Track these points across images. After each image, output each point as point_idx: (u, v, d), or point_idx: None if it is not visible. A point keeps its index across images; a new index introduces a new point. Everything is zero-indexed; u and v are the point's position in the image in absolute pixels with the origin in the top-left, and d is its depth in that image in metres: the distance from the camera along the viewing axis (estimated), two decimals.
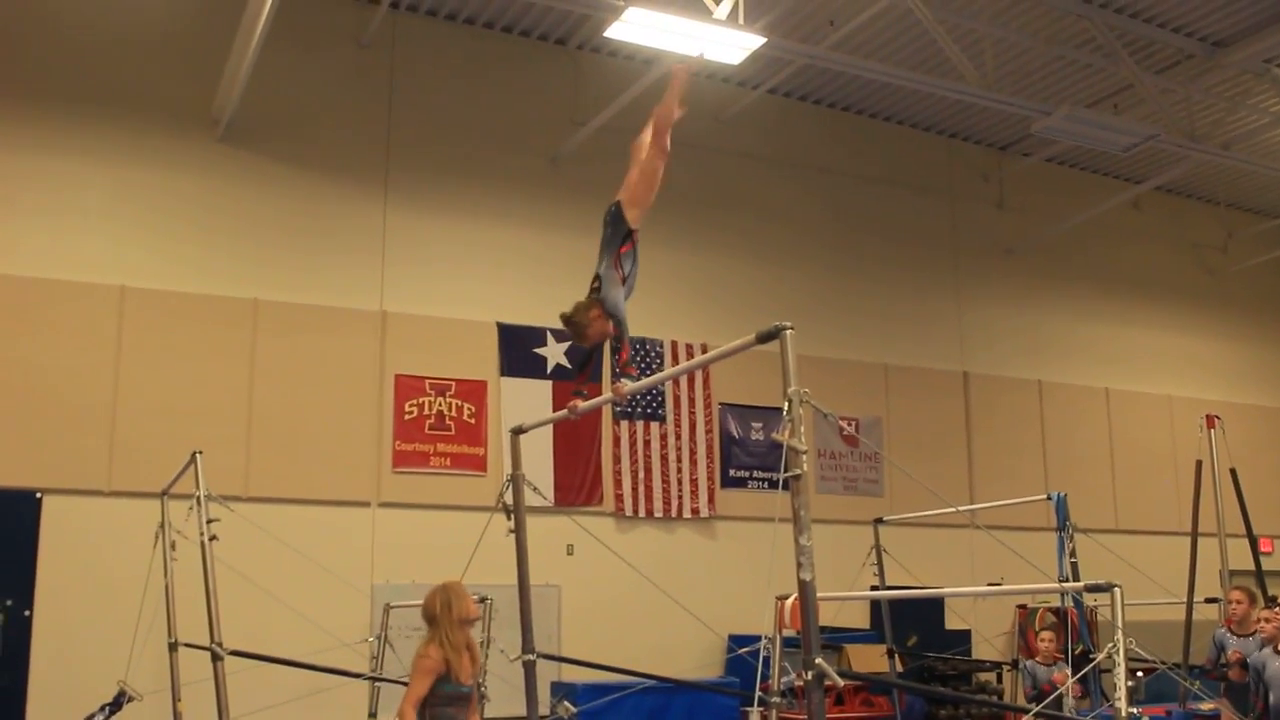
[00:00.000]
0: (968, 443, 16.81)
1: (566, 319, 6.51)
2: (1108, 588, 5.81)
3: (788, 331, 5.07)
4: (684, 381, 14.72)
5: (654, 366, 14.36)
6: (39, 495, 11.82)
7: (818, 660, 4.83)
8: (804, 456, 4.96)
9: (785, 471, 4.97)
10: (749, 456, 15.03)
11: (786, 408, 4.98)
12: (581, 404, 6.95)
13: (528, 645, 7.16)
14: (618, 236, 6.67)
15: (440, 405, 13.46)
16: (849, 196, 16.53)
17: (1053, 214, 17.55)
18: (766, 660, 7.76)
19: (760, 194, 15.87)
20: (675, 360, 14.53)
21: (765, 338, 5.19)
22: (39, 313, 12.01)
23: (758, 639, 8.10)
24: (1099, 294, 18.56)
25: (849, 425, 15.49)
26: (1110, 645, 5.73)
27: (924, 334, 16.81)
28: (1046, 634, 10.37)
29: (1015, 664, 12.85)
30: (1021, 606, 15.94)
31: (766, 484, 14.82)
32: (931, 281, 17.08)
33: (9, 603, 11.58)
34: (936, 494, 12.06)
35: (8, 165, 12.17)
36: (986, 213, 17.75)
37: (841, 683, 4.99)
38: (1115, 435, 18.10)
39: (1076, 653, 11.36)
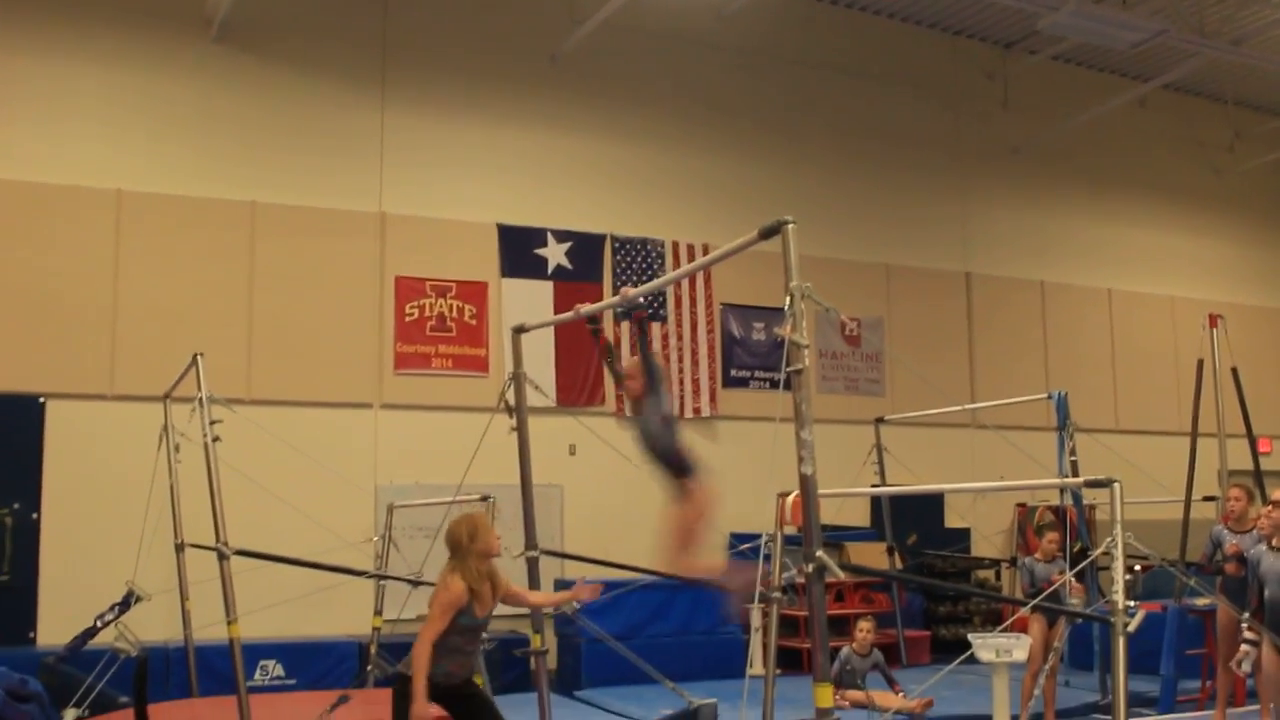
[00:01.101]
0: (969, 343, 16.80)
1: (617, 377, 7.01)
2: (1107, 483, 5.82)
3: (789, 226, 5.02)
4: (685, 281, 14.67)
5: (655, 267, 14.32)
6: (42, 400, 11.85)
7: (819, 553, 4.86)
8: (805, 351, 4.94)
9: (787, 367, 4.95)
10: (750, 356, 15.03)
11: (788, 302, 4.94)
12: (586, 306, 6.92)
13: (530, 542, 7.21)
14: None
15: (441, 306, 13.44)
16: (851, 96, 16.33)
17: (1058, 113, 17.34)
18: (768, 557, 7.80)
19: (761, 93, 15.68)
20: (676, 260, 14.47)
21: (767, 233, 5.13)
22: (36, 217, 11.95)
23: (759, 537, 8.15)
24: (1104, 194, 18.42)
25: (851, 324, 15.48)
26: (1108, 540, 5.75)
27: (927, 234, 16.71)
28: (1052, 534, 10.45)
29: (1014, 561, 12.98)
30: (1020, 505, 16.06)
31: (768, 384, 14.83)
32: (934, 181, 16.94)
33: (16, 506, 11.67)
34: (939, 390, 12.10)
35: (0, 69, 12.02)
36: (991, 112, 17.54)
37: (842, 576, 5.04)
38: (1117, 336, 18.09)
39: (1075, 550, 11.47)
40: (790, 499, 7.37)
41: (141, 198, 12.35)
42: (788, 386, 4.97)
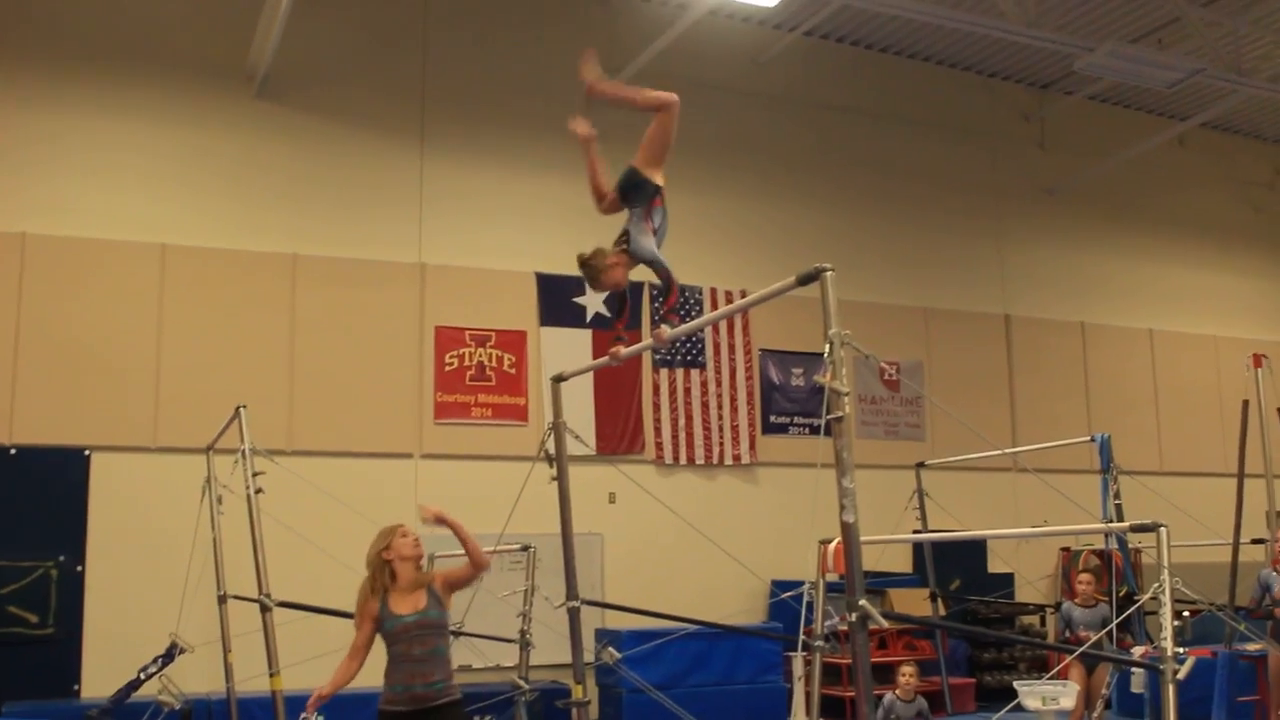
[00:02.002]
0: (1010, 386, 16.70)
1: (583, 261, 6.46)
2: (1153, 527, 5.76)
3: (828, 273, 5.03)
4: (723, 328, 14.68)
5: (693, 314, 14.33)
6: (87, 453, 11.97)
7: (862, 602, 4.82)
8: (846, 398, 4.93)
9: (827, 414, 4.94)
10: (789, 402, 15.00)
11: (828, 350, 4.94)
12: (624, 350, 6.91)
13: (571, 592, 7.20)
14: (644, 195, 6.52)
15: (480, 356, 13.50)
16: (888, 140, 16.36)
17: (1096, 153, 17.30)
18: (809, 605, 7.75)
19: (798, 138, 15.73)
20: (714, 306, 14.48)
21: (805, 279, 5.14)
22: (81, 272, 12.13)
23: (800, 584, 8.12)
24: (1143, 234, 18.33)
25: (891, 369, 15.43)
26: (1156, 585, 5.68)
27: (965, 277, 16.67)
28: (1085, 575, 10.33)
29: (1058, 606, 12.83)
30: (1065, 549, 15.89)
31: (807, 429, 14.79)
32: (972, 224, 16.91)
33: (62, 558, 11.76)
34: (980, 434, 12.01)
35: (46, 126, 12.23)
36: (1028, 153, 17.52)
37: (885, 624, 5.00)
38: (1160, 377, 17.93)
39: (1120, 595, 11.33)
40: (832, 546, 7.33)
41: (184, 251, 12.51)
42: (828, 433, 4.95)
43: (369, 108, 13.52)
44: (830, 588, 7.78)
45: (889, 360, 15.45)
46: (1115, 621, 8.89)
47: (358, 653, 6.05)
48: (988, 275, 16.93)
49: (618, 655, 8.07)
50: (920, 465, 13.93)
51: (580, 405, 13.24)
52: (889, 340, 15.34)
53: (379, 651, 6.19)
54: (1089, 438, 12.16)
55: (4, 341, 11.83)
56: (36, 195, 12.12)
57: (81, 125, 12.37)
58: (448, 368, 13.34)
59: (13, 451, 11.71)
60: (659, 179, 6.53)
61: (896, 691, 10.52)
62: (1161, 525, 5.70)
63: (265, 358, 12.59)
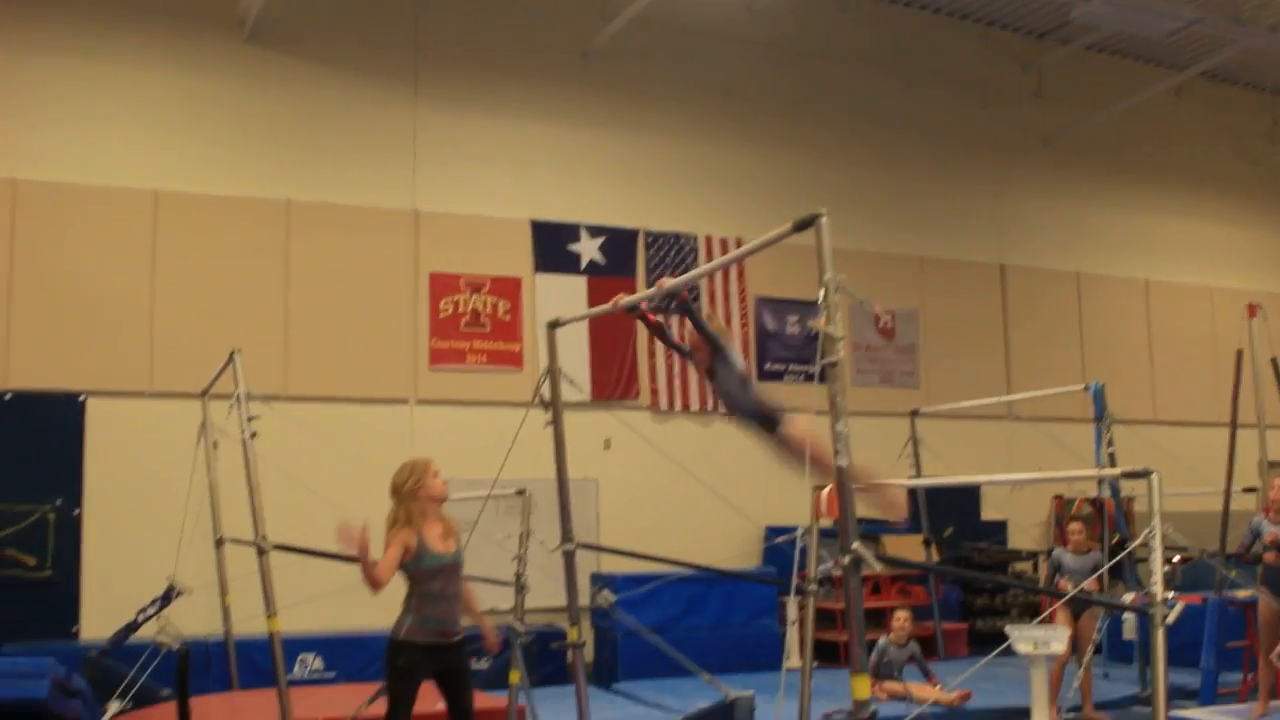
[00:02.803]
0: (1004, 336, 16.71)
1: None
2: (1145, 474, 5.78)
3: (822, 218, 5.02)
4: (719, 275, 14.66)
5: (687, 261, 14.32)
6: (82, 398, 11.99)
7: (855, 545, 4.86)
8: (840, 343, 4.94)
9: (822, 359, 4.95)
10: (785, 350, 15.01)
11: (822, 295, 4.94)
12: (625, 298, 6.91)
13: (567, 535, 7.23)
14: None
15: (475, 302, 13.49)
16: (883, 88, 16.26)
17: (1093, 103, 17.21)
18: (803, 550, 7.79)
19: (792, 86, 15.64)
20: (709, 254, 14.47)
21: (801, 225, 5.13)
22: (74, 219, 12.10)
23: (793, 530, 8.16)
24: (1140, 184, 18.28)
25: (886, 316, 15.45)
26: (1147, 531, 5.71)
27: (960, 227, 16.64)
28: (1075, 524, 10.40)
29: (1049, 553, 12.93)
30: (1058, 497, 15.98)
31: (803, 377, 14.81)
32: (968, 173, 16.87)
33: (58, 502, 11.81)
34: (975, 382, 12.06)
35: (36, 72, 12.16)
36: (1025, 102, 17.43)
37: (879, 568, 5.02)
38: (1155, 327, 17.95)
39: (1113, 542, 11.41)
40: (826, 492, 7.36)
41: (178, 198, 12.47)
42: (823, 379, 4.97)
43: (362, 53, 13.44)
44: (824, 533, 7.82)
45: (884, 309, 15.48)
46: (1106, 567, 8.95)
47: (389, 570, 6.03)
48: (983, 225, 16.90)
49: (613, 598, 8.12)
50: (915, 413, 13.96)
51: (575, 351, 13.25)
52: (884, 289, 15.33)
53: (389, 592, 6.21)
54: (1083, 386, 12.20)
55: None
56: (28, 141, 12.07)
57: (72, 71, 12.28)
58: (442, 314, 13.34)
59: (8, 397, 11.73)
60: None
61: (890, 635, 10.62)
62: (1153, 472, 5.72)
63: (260, 303, 12.58)
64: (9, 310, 11.82)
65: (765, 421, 6.54)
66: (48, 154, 12.10)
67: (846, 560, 4.89)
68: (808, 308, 14.70)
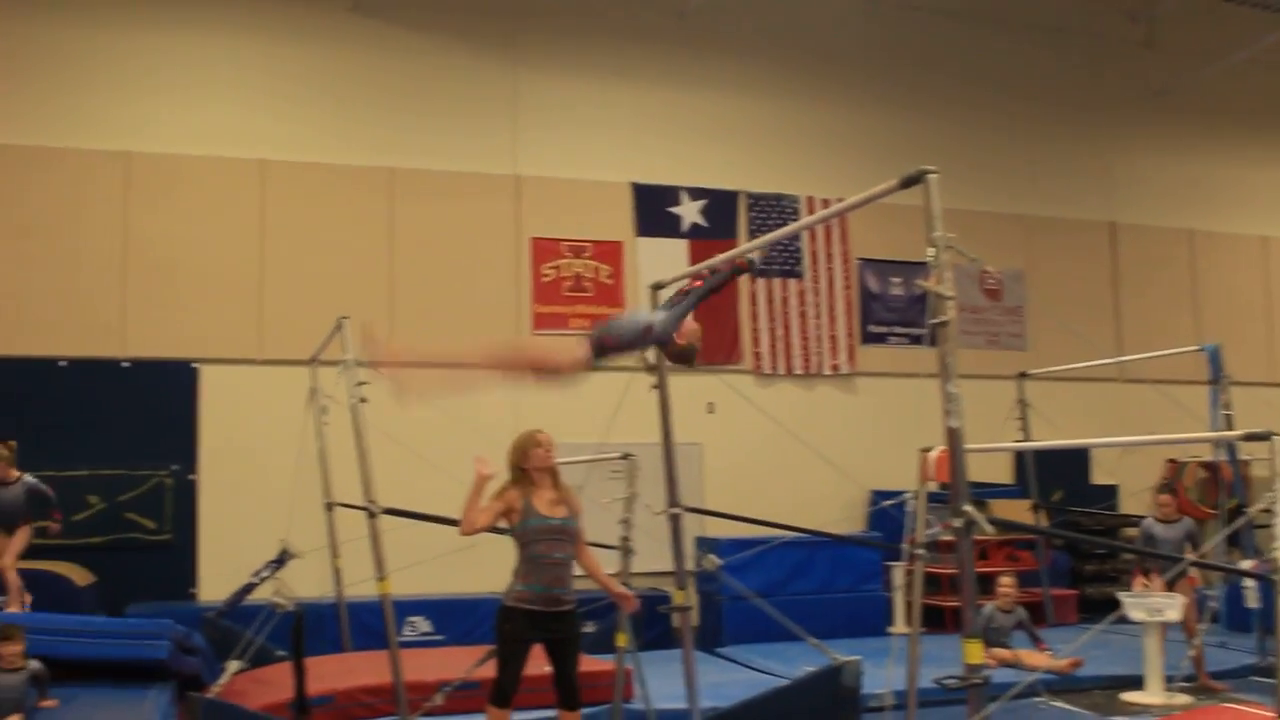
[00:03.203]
0: (1115, 295, 16.32)
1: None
2: (1266, 436, 5.63)
3: (931, 176, 4.93)
4: (821, 237, 14.52)
5: (789, 222, 14.17)
6: (195, 366, 12.27)
7: (966, 508, 4.78)
8: (950, 304, 4.85)
9: (931, 320, 4.87)
10: (889, 312, 14.84)
11: (931, 254, 4.85)
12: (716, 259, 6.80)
13: (673, 499, 7.21)
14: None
15: (577, 267, 13.54)
16: (986, 43, 15.91)
17: (1206, 53, 16.64)
18: (910, 514, 7.70)
19: (895, 43, 15.37)
20: (811, 215, 14.31)
21: (908, 182, 5.04)
22: (184, 190, 12.38)
23: (900, 494, 8.06)
24: (1257, 138, 17.67)
25: (994, 275, 15.17)
26: (1267, 495, 5.55)
27: (1068, 184, 16.24)
28: (1164, 496, 10.17)
29: (1140, 523, 12.66)
30: (1171, 461, 15.58)
31: (907, 339, 14.64)
32: (1075, 128, 16.42)
33: (175, 468, 12.13)
34: (1086, 343, 11.79)
35: (143, 43, 12.42)
36: (1134, 54, 16.92)
37: (991, 531, 4.94)
38: (1273, 286, 17.40)
39: (1230, 507, 11.12)
40: (934, 454, 7.26)
41: (284, 166, 12.68)
42: (930, 341, 4.89)
43: (462, 20, 13.53)
44: (932, 497, 7.71)
45: (989, 270, 15.20)
46: (1224, 534, 8.73)
47: (486, 516, 6.13)
48: (1092, 182, 16.48)
49: (719, 562, 8.11)
50: (1022, 375, 13.71)
51: None
52: (989, 249, 14.76)
53: (482, 556, 6.30)
54: (1198, 347, 11.89)
55: (112, 259, 12.14)
56: (139, 114, 12.35)
57: (181, 43, 12.53)
58: (544, 279, 13.41)
59: (125, 365, 12.05)
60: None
61: (995, 602, 10.48)
62: (1274, 434, 5.56)
63: (365, 270, 12.76)
64: (124, 281, 12.13)
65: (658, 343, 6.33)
66: (158, 126, 12.38)
67: (958, 523, 4.82)
68: (911, 269, 14.53)
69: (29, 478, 9.95)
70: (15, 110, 12.09)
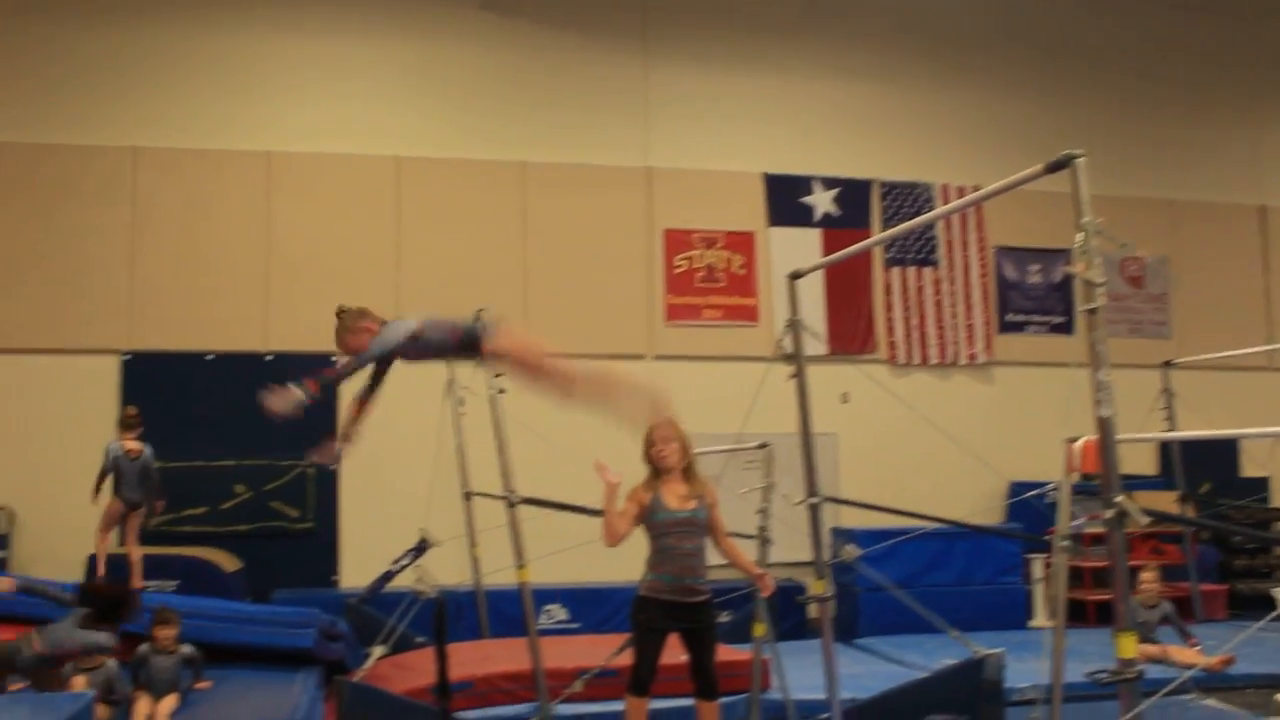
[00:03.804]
0: (1265, 282, 15.74)
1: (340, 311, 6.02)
2: None
3: (1079, 159, 4.81)
4: (956, 225, 14.28)
5: (924, 211, 13.98)
6: (334, 359, 12.48)
7: (1119, 498, 4.66)
8: (1100, 289, 4.73)
9: (1081, 306, 4.75)
10: (1027, 300, 14.51)
11: (1080, 240, 4.74)
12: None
13: (812, 488, 7.15)
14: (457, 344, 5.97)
15: (709, 258, 13.53)
16: (1125, 21, 15.43)
17: None
18: (1053, 506, 7.52)
19: (1029, 25, 15.03)
20: (946, 204, 14.10)
21: (1055, 167, 4.92)
22: (323, 187, 12.71)
23: (1040, 485, 7.90)
24: None
25: (1141, 260, 14.75)
26: None
27: (1214, 166, 15.68)
28: None
29: None
30: None
31: (1046, 328, 14.32)
32: (1221, 108, 15.84)
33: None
34: (1236, 331, 11.41)
35: (280, 47, 12.82)
36: None
37: (1144, 521, 4.80)
38: None
39: None
40: (1079, 444, 7.09)
41: (418, 163, 12.93)
42: (1068, 330, 4.77)
43: (591, 13, 13.62)
44: (1075, 489, 7.53)
45: (1130, 257, 14.79)
46: None
47: (624, 521, 6.18)
48: (1239, 164, 15.87)
49: (858, 552, 8.03)
50: (1167, 364, 13.33)
51: (812, 305, 13.14)
52: (1130, 235, 14.17)
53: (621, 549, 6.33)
54: None
55: (257, 256, 12.49)
56: (278, 115, 12.72)
57: (318, 46, 12.86)
58: (677, 270, 13.43)
59: (269, 359, 12.37)
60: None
61: (1138, 596, 10.20)
62: None
63: (499, 263, 12.92)
64: (268, 277, 12.47)
65: (467, 346, 5.90)
66: (296, 126, 12.71)
67: (1109, 514, 4.69)
68: (1050, 256, 14.24)
69: (148, 452, 10.06)
70: (160, 114, 12.51)
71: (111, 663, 7.50)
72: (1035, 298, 14.51)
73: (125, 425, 10.00)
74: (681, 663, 6.43)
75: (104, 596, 7.40)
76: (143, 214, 12.39)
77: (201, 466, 12.19)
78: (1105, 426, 4.72)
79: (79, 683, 7.23)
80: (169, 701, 7.23)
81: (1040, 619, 12.46)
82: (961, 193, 14.03)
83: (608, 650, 8.13)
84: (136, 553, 9.98)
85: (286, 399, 5.27)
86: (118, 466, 9.82)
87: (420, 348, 5.82)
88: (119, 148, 12.37)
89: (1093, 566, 12.26)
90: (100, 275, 12.25)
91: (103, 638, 7.23)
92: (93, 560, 10.14)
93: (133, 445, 9.93)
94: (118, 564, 9.89)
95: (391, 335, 5.71)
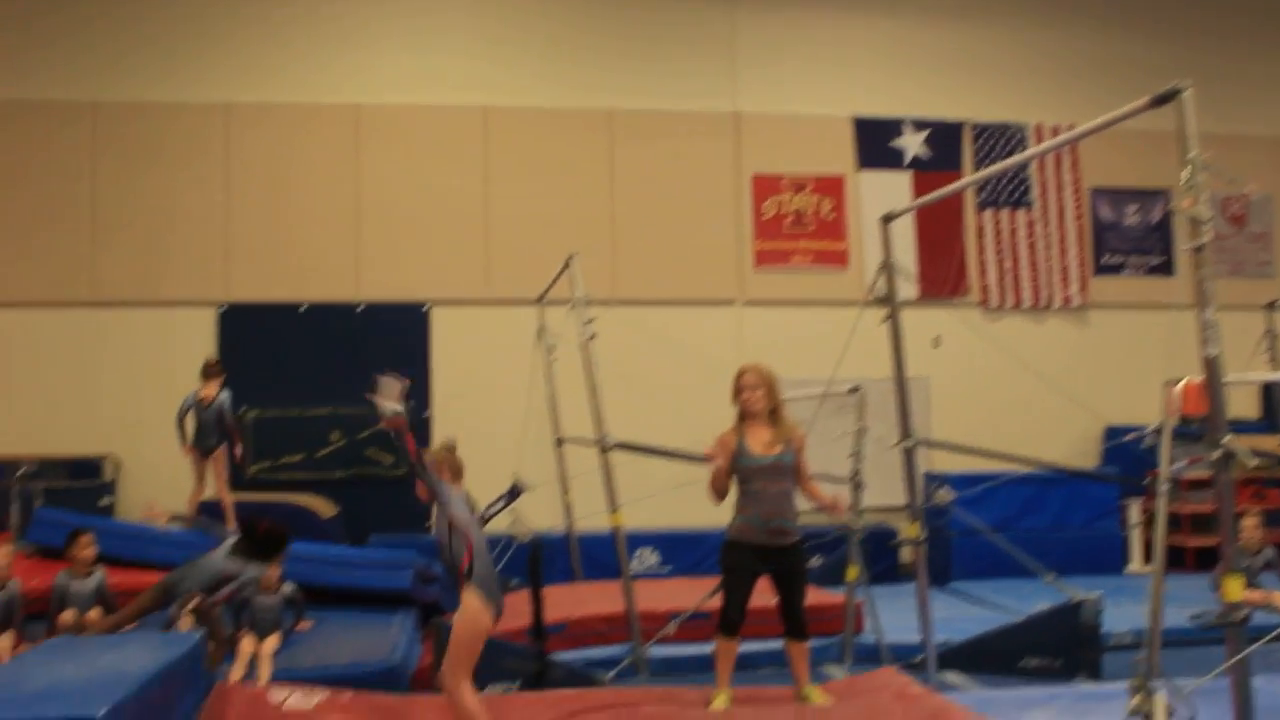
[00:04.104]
0: None
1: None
2: None
3: (1185, 93, 4.69)
4: (1050, 166, 13.99)
5: (1016, 152, 13.71)
6: (426, 307, 12.68)
7: (1226, 439, 4.56)
8: (1208, 226, 4.62)
9: (1186, 244, 4.65)
10: (1123, 242, 14.19)
11: (1186, 175, 4.63)
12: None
13: (906, 431, 7.10)
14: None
15: (798, 202, 13.42)
16: None
17: None
18: (1150, 451, 7.38)
19: None
20: (1040, 144, 13.81)
21: (1160, 100, 4.83)
22: (411, 138, 12.80)
23: (1137, 429, 7.75)
24: None
25: (1239, 202, 14.37)
26: None
27: None
28: None
29: None
30: None
31: (1144, 270, 14.00)
32: None
33: (410, 404, 12.54)
34: None
35: (374, 5, 12.81)
36: None
37: (1253, 463, 4.71)
38: None
39: None
40: (1182, 386, 6.95)
41: (506, 112, 12.96)
42: (1168, 270, 4.67)
43: None
44: (1174, 433, 7.39)
45: (1234, 194, 14.39)
46: None
47: (723, 478, 6.28)
48: None
49: (952, 495, 7.97)
50: (1271, 305, 12.99)
51: (903, 249, 12.93)
52: (1233, 172, 14.16)
53: (707, 489, 6.34)
54: None
55: (347, 208, 12.64)
56: (369, 68, 12.83)
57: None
58: (765, 215, 13.35)
59: (360, 309, 12.55)
60: None
61: (1240, 543, 10.01)
62: None
63: (587, 211, 12.93)
64: (358, 228, 12.63)
65: (455, 579, 5.67)
66: (385, 78, 12.79)
67: (1215, 455, 4.61)
68: (1148, 197, 13.93)
69: (223, 397, 10.15)
70: (250, 69, 12.69)
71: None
72: (1132, 239, 14.19)
73: (204, 374, 10.17)
74: (772, 605, 6.45)
75: (263, 532, 7.58)
76: (235, 168, 12.58)
77: (297, 415, 12.42)
78: (1212, 366, 4.63)
79: (186, 623, 7.43)
80: (272, 641, 7.40)
81: (1136, 564, 12.32)
82: (1055, 133, 13.72)
83: (700, 593, 8.18)
84: (227, 497, 10.19)
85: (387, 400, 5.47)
86: (192, 414, 10.01)
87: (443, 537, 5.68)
88: (210, 103, 12.56)
89: (1191, 512, 12.07)
90: (196, 229, 12.48)
91: (253, 570, 7.45)
92: (200, 506, 10.40)
93: (207, 392, 10.08)
94: (212, 510, 10.13)
95: (449, 502, 5.68)
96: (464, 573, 5.48)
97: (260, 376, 12.34)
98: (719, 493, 6.33)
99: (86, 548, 7.77)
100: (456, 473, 5.89)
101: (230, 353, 12.30)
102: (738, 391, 6.35)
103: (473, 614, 5.42)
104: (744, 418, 6.34)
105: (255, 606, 7.54)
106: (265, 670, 7.16)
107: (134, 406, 11.88)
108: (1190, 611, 9.04)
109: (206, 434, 10.06)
